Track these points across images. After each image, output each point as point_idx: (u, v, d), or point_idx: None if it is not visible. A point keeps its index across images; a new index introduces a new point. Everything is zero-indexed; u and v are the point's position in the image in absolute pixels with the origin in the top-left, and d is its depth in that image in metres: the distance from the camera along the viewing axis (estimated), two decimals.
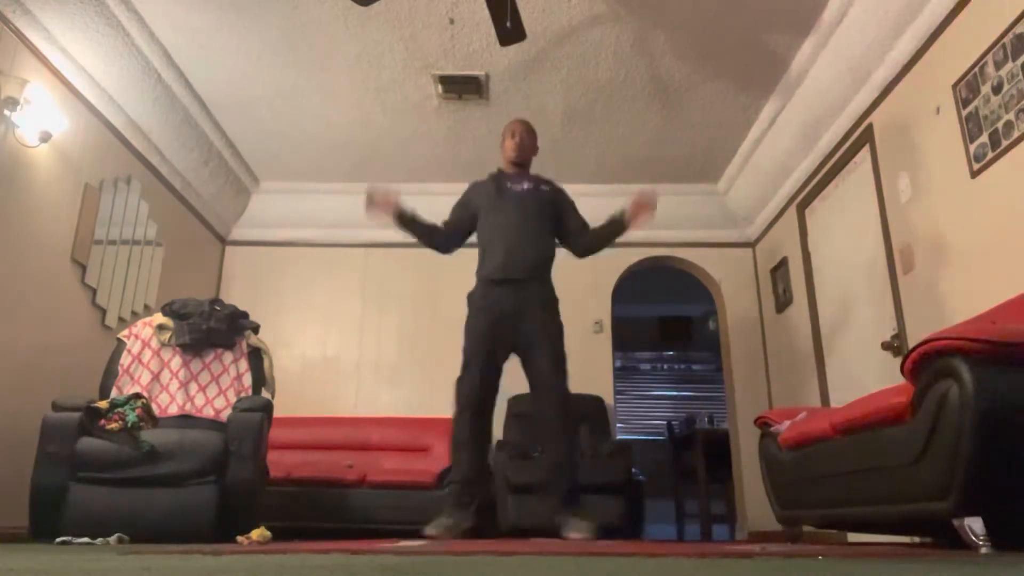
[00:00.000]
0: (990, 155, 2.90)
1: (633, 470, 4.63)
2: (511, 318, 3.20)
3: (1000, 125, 2.84)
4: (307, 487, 4.34)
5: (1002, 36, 2.83)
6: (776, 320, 5.24)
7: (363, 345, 5.51)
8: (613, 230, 3.40)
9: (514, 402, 4.87)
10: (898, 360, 3.46)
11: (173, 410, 3.59)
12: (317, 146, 5.12)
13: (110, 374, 3.66)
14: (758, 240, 5.61)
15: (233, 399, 3.62)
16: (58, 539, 2.88)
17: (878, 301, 3.82)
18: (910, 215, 3.51)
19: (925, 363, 2.09)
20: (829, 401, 4.35)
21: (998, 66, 2.85)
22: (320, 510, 4.28)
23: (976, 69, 2.98)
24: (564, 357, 3.20)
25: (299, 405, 5.14)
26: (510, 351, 3.26)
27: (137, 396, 3.42)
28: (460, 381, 3.19)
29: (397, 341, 5.52)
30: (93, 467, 3.08)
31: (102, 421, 3.24)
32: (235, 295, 5.37)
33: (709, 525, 5.73)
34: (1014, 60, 2.76)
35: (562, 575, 1.19)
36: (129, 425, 3.22)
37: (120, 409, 3.29)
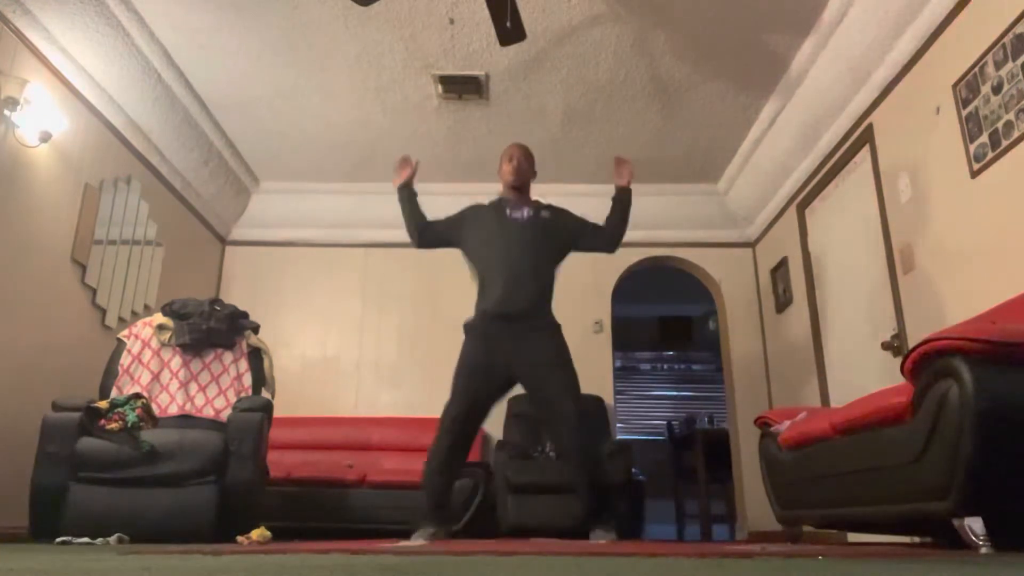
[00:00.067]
0: (990, 155, 2.90)
1: (633, 470, 4.63)
2: (509, 350, 3.13)
3: (1000, 125, 2.84)
4: (307, 487, 4.34)
5: (1002, 36, 2.83)
6: (776, 320, 5.24)
7: (363, 345, 5.51)
8: (622, 206, 3.35)
9: (514, 402, 4.88)
10: (898, 360, 3.46)
11: (173, 410, 3.59)
12: (317, 146, 5.12)
13: (110, 374, 3.66)
14: (758, 240, 5.61)
15: (233, 399, 3.62)
16: (58, 539, 2.88)
17: (878, 301, 3.82)
18: (910, 215, 3.51)
19: (925, 363, 2.09)
20: (829, 401, 4.35)
21: (998, 66, 2.85)
22: (320, 510, 4.28)
23: (976, 69, 2.98)
24: (576, 380, 3.13)
25: (299, 405, 5.14)
26: (506, 386, 3.20)
27: (137, 396, 3.42)
28: (446, 409, 3.15)
29: (397, 341, 5.52)
30: (93, 467, 3.08)
31: (102, 421, 3.24)
32: (235, 295, 5.37)
33: (709, 525, 5.74)
34: (1014, 60, 2.76)
35: (562, 575, 1.19)
36: (129, 425, 3.22)
37: (120, 409, 3.29)
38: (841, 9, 3.65)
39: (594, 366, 5.25)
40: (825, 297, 4.51)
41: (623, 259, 5.53)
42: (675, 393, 8.43)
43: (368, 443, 4.94)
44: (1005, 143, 2.81)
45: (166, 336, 3.78)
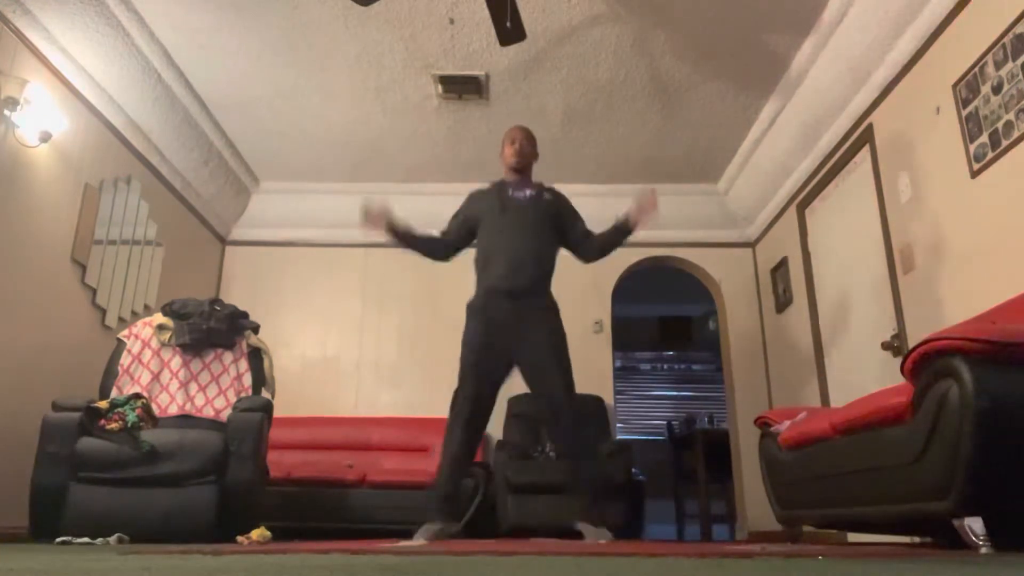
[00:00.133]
0: (990, 155, 2.90)
1: (633, 470, 4.63)
2: (511, 329, 3.17)
3: (1000, 125, 2.84)
4: (307, 487, 4.34)
5: (1002, 36, 2.83)
6: (776, 320, 5.24)
7: (363, 345, 5.51)
8: (619, 236, 3.37)
9: (514, 402, 4.88)
10: (898, 360, 3.46)
11: (173, 410, 3.59)
12: (317, 146, 5.12)
13: (110, 374, 3.66)
14: (758, 240, 5.61)
15: (233, 399, 3.62)
16: (58, 539, 2.88)
17: (878, 301, 3.82)
18: (910, 215, 3.51)
19: (925, 363, 2.09)
20: (829, 401, 4.35)
21: (998, 66, 2.85)
22: (320, 510, 4.28)
23: (976, 69, 2.98)
24: (570, 369, 3.18)
25: (299, 405, 5.14)
26: (510, 366, 3.22)
27: (137, 396, 3.42)
28: (456, 394, 3.17)
29: (397, 341, 5.52)
30: (93, 467, 3.08)
31: (102, 421, 3.24)
32: (235, 295, 5.38)
33: (709, 525, 5.73)
34: (1014, 60, 2.76)
35: (562, 575, 1.19)
36: (129, 425, 3.22)
37: (120, 409, 3.29)
38: (841, 9, 3.65)
39: (594, 366, 5.26)
40: (825, 297, 4.51)
41: (623, 259, 5.53)
42: (675, 393, 8.43)
43: (368, 443, 4.94)
44: (1005, 143, 2.81)
45: (166, 336, 3.78)
